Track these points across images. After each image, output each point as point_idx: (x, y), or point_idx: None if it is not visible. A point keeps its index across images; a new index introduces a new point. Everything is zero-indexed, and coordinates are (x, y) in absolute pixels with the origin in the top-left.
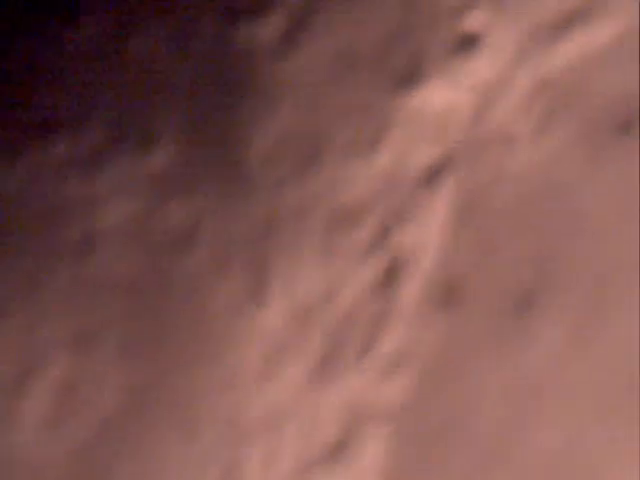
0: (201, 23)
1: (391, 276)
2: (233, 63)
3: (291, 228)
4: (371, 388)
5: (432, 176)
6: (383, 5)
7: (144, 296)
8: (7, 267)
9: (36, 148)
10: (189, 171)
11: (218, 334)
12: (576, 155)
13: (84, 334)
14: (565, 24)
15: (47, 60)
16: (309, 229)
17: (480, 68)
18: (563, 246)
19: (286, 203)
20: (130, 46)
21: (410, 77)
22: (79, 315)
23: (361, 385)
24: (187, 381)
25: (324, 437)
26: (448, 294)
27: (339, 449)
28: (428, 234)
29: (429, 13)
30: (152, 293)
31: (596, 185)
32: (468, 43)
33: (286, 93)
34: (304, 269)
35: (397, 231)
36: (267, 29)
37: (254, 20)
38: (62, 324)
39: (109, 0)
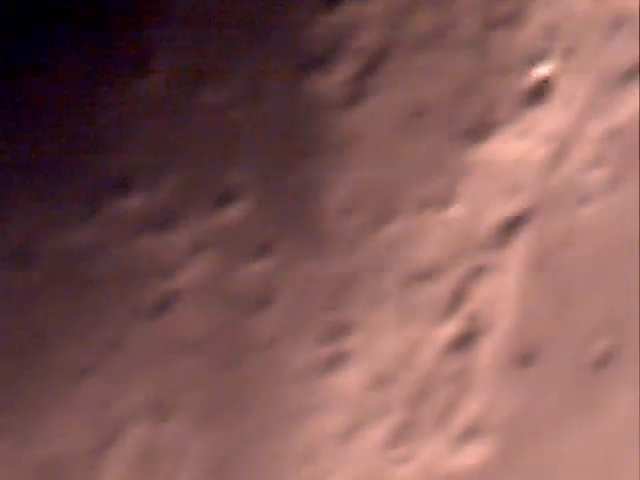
0: (272, 72)
1: (468, 338)
2: (304, 114)
3: (368, 287)
4: (449, 457)
5: (507, 231)
6: (453, 54)
7: (221, 360)
8: (84, 332)
9: (108, 207)
10: (264, 228)
11: (296, 400)
12: None
13: (163, 401)
14: (635, 72)
15: (116, 111)
16: (386, 288)
17: (552, 117)
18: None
19: (362, 260)
20: (202, 97)
21: (482, 127)
22: (157, 381)
23: (439, 454)
24: (266, 450)
25: None
26: (526, 355)
27: None
28: (504, 292)
29: (500, 62)
30: (229, 357)
31: None
32: (539, 92)
33: (357, 144)
34: (382, 330)
35: (473, 289)
36: (337, 77)
37: (324, 69)
38: (140, 391)
39: (179, 49)
